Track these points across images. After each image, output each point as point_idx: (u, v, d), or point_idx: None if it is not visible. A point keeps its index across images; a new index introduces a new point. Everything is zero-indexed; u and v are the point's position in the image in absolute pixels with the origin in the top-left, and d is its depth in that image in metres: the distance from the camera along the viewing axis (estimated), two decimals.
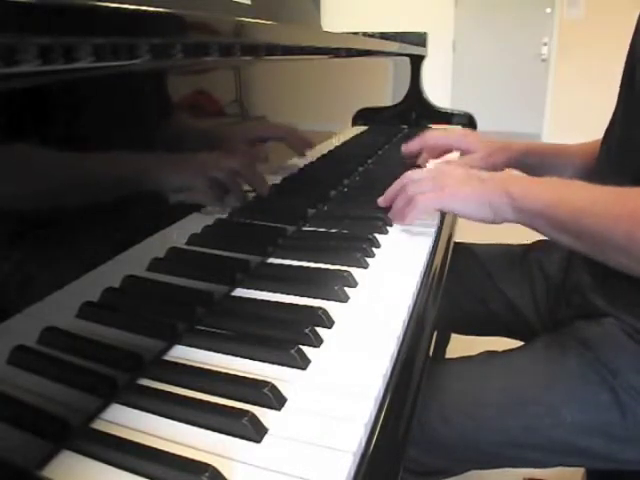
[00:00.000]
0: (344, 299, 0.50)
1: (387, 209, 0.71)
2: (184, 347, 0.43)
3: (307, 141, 0.74)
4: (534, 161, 0.84)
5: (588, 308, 0.66)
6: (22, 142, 0.30)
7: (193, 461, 0.30)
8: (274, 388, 0.36)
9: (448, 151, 0.93)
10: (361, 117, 1.03)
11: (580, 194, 0.56)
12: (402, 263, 0.59)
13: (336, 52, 0.85)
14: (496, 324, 0.84)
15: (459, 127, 1.51)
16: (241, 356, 0.41)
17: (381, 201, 0.72)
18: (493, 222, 0.60)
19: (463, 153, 0.88)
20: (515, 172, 0.81)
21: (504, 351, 0.66)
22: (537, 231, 0.59)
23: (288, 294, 0.51)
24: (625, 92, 0.68)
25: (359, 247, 0.60)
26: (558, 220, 0.55)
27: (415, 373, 0.44)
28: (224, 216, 0.53)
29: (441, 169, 0.67)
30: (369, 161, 1.09)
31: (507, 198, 0.58)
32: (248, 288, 0.52)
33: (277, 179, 0.66)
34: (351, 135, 0.99)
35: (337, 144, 0.89)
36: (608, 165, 0.69)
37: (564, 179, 0.59)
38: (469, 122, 1.52)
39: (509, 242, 0.89)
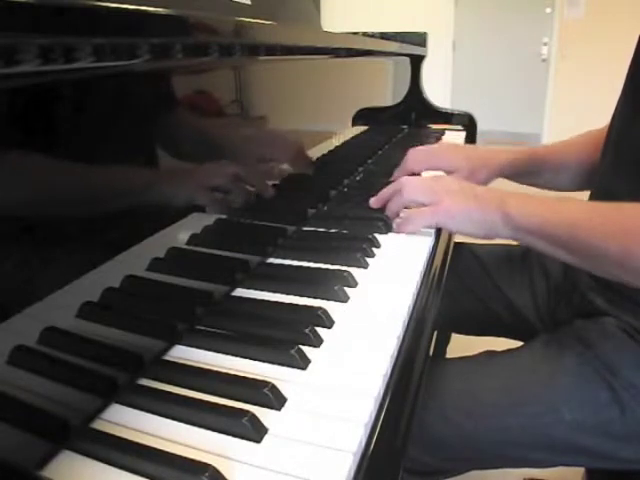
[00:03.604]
0: (344, 299, 0.50)
1: (383, 209, 0.71)
2: (184, 347, 0.43)
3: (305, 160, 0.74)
4: (519, 171, 0.84)
5: (588, 307, 0.66)
6: (22, 142, 0.30)
7: (193, 461, 0.30)
8: (274, 388, 0.36)
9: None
10: (361, 117, 1.03)
11: (576, 210, 0.56)
12: (402, 263, 0.59)
13: (336, 52, 0.85)
14: (496, 324, 0.84)
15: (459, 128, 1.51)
16: (241, 356, 0.41)
17: (373, 202, 0.72)
18: (485, 237, 0.61)
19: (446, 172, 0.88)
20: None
21: (504, 351, 0.66)
22: (532, 247, 0.59)
23: (288, 294, 0.51)
24: (631, 83, 0.68)
25: (359, 247, 0.60)
26: (554, 236, 0.55)
27: (415, 373, 0.44)
28: (224, 216, 0.53)
29: (437, 180, 0.67)
30: (369, 161, 1.09)
31: (502, 216, 0.58)
32: (248, 288, 0.52)
33: (277, 179, 0.66)
34: (351, 135, 0.99)
35: (337, 144, 0.89)
36: (610, 159, 0.69)
37: (559, 196, 0.59)
38: (469, 122, 1.52)
39: (509, 242, 0.89)
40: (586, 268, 0.58)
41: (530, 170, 0.84)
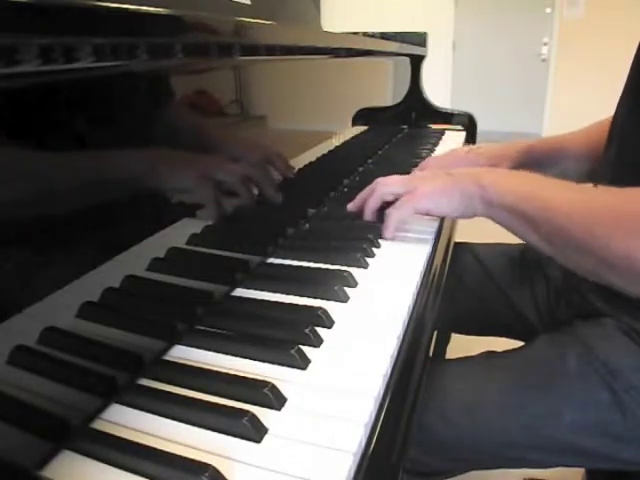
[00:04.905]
0: (344, 299, 0.50)
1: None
2: (184, 347, 0.43)
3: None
4: (537, 158, 0.83)
5: (587, 308, 0.66)
6: (22, 142, 0.30)
7: (193, 461, 0.30)
8: (274, 388, 0.36)
9: None
10: (361, 117, 1.03)
11: (555, 191, 0.52)
12: (402, 263, 0.59)
13: (336, 52, 0.85)
14: (496, 324, 0.84)
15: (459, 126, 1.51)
16: (241, 356, 0.41)
17: (350, 206, 0.71)
18: (463, 215, 0.59)
19: None
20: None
21: (504, 351, 0.66)
22: (508, 229, 0.56)
23: (288, 294, 0.51)
24: (634, 79, 0.67)
25: (359, 247, 0.60)
26: (528, 216, 0.51)
27: (415, 373, 0.44)
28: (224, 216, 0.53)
29: (410, 174, 0.67)
30: (369, 161, 1.09)
31: (478, 189, 0.56)
32: (248, 288, 0.52)
33: (277, 179, 0.66)
34: (351, 135, 0.99)
35: (337, 144, 0.89)
36: (612, 156, 0.69)
37: (541, 175, 0.55)
38: (469, 122, 1.52)
39: (509, 242, 0.89)
40: (561, 260, 0.53)
41: (550, 156, 0.82)
